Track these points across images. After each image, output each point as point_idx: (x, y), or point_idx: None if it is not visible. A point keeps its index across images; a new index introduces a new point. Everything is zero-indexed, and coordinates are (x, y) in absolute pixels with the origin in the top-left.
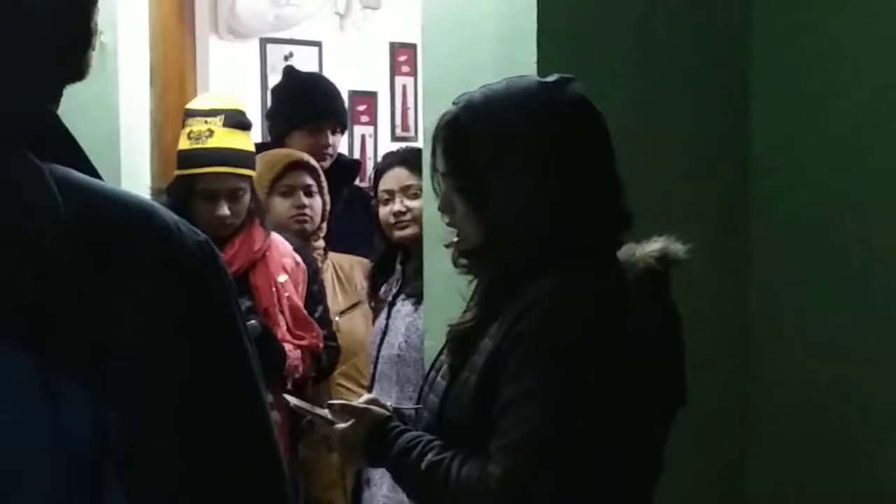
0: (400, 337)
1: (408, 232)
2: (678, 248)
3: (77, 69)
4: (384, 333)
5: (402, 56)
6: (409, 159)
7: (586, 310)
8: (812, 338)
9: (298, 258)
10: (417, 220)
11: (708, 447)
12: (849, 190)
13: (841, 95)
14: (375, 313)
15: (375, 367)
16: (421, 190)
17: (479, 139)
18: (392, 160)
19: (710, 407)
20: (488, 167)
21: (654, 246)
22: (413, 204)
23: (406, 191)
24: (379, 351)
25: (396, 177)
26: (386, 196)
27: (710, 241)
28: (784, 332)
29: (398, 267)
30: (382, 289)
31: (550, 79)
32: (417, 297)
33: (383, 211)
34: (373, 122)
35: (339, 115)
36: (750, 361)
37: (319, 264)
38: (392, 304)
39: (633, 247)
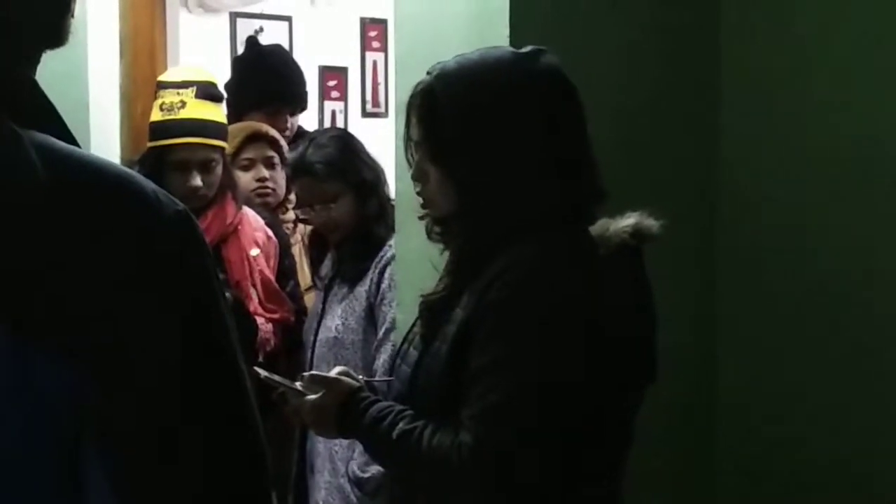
0: (337, 319)
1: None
2: (651, 223)
3: (56, 34)
4: (321, 317)
5: (372, 31)
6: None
7: (556, 278)
8: (779, 318)
9: (270, 232)
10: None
11: (677, 426)
12: (817, 175)
13: (811, 80)
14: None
15: (312, 353)
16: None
17: (452, 106)
18: None
19: (678, 385)
20: (461, 135)
21: (628, 221)
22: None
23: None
24: (316, 335)
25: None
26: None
27: (679, 221)
28: (751, 312)
29: (332, 249)
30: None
31: (524, 49)
32: (353, 280)
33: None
34: (343, 97)
35: (299, 98)
36: (717, 341)
37: (290, 237)
38: (328, 288)
39: (607, 221)
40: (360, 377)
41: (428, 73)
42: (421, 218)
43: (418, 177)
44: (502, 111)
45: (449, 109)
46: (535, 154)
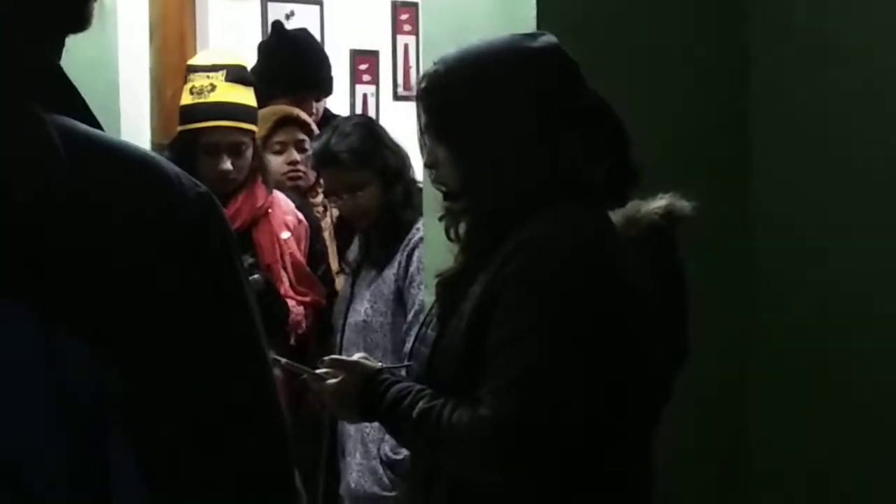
0: (365, 303)
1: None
2: (684, 205)
3: (80, 19)
4: (350, 302)
5: (403, 15)
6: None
7: (572, 251)
8: (819, 303)
9: (300, 216)
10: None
11: (707, 413)
12: (847, 156)
13: (842, 64)
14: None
15: (342, 337)
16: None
17: (456, 88)
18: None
19: (707, 368)
20: (466, 115)
21: (660, 202)
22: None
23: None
24: (345, 319)
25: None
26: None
27: (710, 201)
28: (785, 292)
29: (359, 234)
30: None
31: (524, 32)
32: (381, 264)
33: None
34: (374, 81)
35: (325, 83)
36: (752, 322)
37: (320, 221)
38: (357, 273)
39: (638, 203)
40: (380, 363)
41: (434, 63)
42: (440, 219)
43: (431, 163)
44: (500, 86)
45: (452, 92)
46: (533, 128)
